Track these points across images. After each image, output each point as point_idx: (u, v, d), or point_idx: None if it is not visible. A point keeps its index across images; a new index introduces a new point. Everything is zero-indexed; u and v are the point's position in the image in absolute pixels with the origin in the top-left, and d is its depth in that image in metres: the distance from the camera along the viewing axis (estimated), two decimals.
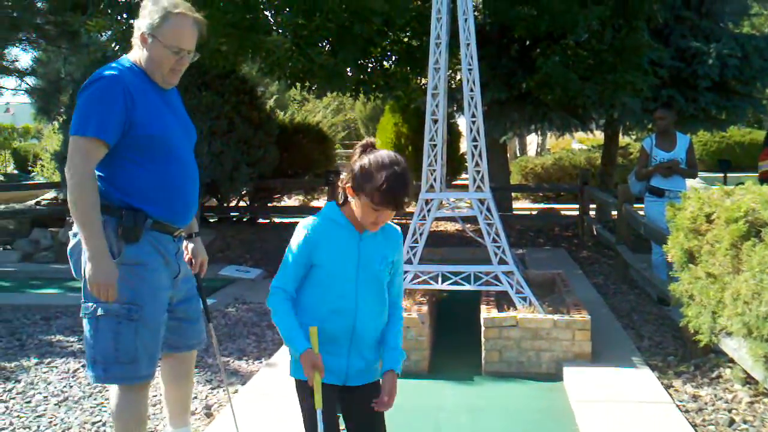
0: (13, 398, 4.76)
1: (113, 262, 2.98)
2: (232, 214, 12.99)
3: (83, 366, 4.93)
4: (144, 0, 3.14)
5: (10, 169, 23.66)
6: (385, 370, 2.76)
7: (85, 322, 3.12)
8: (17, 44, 13.89)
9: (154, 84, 3.16)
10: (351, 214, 2.67)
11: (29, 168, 21.68)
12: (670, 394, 4.58)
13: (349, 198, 2.64)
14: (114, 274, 2.97)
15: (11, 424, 4.32)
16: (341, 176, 2.70)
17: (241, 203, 13.27)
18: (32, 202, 14.65)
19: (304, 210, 13.96)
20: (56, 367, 5.38)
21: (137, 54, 3.16)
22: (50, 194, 14.37)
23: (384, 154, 2.62)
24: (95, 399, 4.71)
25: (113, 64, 3.14)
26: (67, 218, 12.06)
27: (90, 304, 3.07)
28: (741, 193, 4.25)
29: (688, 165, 7.20)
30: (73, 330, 6.26)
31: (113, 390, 3.23)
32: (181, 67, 3.17)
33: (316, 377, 2.58)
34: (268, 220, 13.52)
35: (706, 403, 4.51)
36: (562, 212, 13.88)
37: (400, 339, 2.83)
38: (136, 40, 3.15)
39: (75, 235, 3.11)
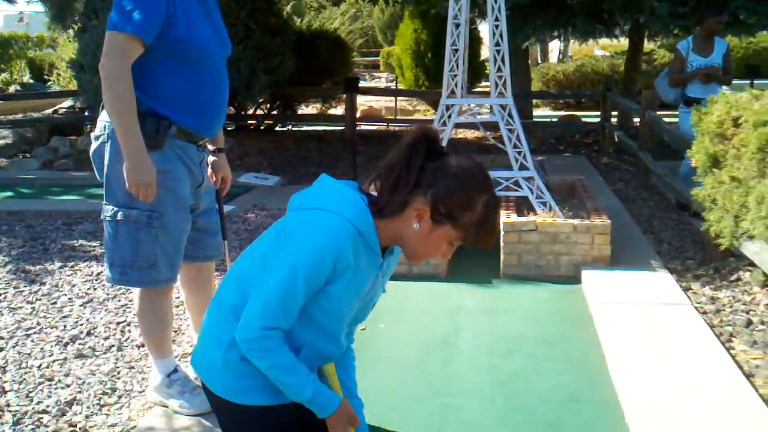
0: (39, 299, 4.85)
1: (151, 161, 2.89)
2: (249, 122, 12.92)
3: None
4: None
5: (27, 78, 23.53)
6: None
7: (105, 224, 3.10)
8: None
9: None
10: (386, 235, 1.89)
11: (45, 77, 21.62)
12: (689, 297, 4.60)
13: (414, 224, 1.84)
14: (153, 172, 2.88)
15: (38, 324, 4.41)
16: (413, 195, 1.84)
17: (259, 111, 13.19)
18: (50, 110, 14.66)
19: (321, 118, 13.89)
20: (80, 270, 5.46)
21: None
22: (67, 102, 14.35)
23: (475, 169, 1.86)
24: (119, 300, 4.79)
25: None
26: (86, 127, 12.08)
27: (111, 207, 3.04)
28: None
29: (724, 71, 6.89)
30: (94, 235, 6.33)
31: (136, 292, 3.25)
32: None
33: None
34: (285, 128, 13.46)
35: (723, 305, 4.52)
36: (584, 119, 13.72)
37: None
38: None
39: (97, 138, 3.06)
